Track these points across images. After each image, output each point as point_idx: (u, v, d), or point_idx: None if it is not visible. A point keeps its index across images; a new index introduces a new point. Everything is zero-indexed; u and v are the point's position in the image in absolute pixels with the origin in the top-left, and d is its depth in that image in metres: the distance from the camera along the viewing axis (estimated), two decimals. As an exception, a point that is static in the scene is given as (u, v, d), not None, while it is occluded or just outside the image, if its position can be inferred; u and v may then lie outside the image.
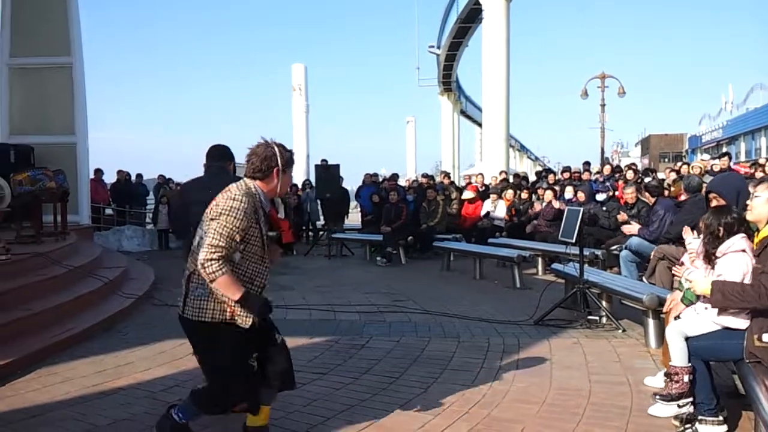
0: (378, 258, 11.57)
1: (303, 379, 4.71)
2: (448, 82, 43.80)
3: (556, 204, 10.96)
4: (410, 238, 11.95)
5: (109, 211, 16.93)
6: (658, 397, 3.87)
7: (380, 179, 15.94)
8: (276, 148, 3.30)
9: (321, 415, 3.98)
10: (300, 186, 16.85)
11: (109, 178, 17.30)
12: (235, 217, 3.03)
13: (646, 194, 8.54)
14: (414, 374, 4.82)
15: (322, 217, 16.21)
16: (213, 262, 2.95)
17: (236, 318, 3.14)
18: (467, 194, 13.24)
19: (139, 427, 3.85)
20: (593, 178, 14.40)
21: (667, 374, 3.83)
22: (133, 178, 17.69)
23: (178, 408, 3.38)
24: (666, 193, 9.87)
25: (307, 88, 27.40)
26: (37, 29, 12.95)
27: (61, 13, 12.96)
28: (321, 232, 15.24)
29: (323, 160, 15.06)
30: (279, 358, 3.47)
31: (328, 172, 13.56)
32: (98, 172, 16.36)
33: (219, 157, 4.69)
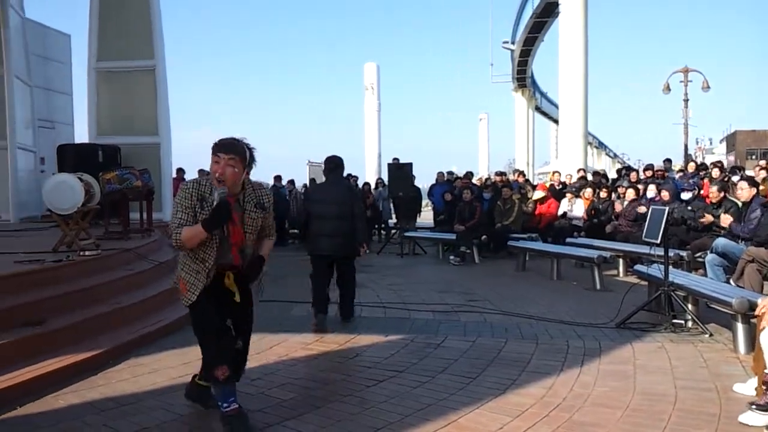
0: (451, 257, 11.50)
1: (379, 376, 4.75)
2: (523, 78, 43.07)
3: (640, 206, 10.59)
4: (484, 237, 11.83)
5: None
6: (754, 406, 3.68)
7: (453, 177, 15.84)
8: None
9: (398, 413, 3.99)
10: (373, 185, 16.97)
11: (191, 176, 17.89)
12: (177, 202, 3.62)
13: (739, 189, 8.07)
14: (491, 375, 4.76)
15: (394, 216, 16.28)
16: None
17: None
18: (537, 194, 12.95)
19: (219, 416, 3.96)
20: (676, 176, 13.83)
21: (765, 382, 3.64)
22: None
23: (219, 401, 3.77)
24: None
25: (380, 87, 27.57)
26: (121, 34, 13.56)
27: (144, 17, 13.51)
28: (393, 231, 15.29)
29: (395, 159, 15.11)
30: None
31: (400, 171, 13.60)
32: (180, 171, 16.96)
33: (335, 166, 6.57)
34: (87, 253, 7.21)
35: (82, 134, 15.21)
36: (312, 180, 18.36)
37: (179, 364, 5.02)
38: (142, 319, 6.09)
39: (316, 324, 6.22)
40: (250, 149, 3.71)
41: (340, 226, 6.32)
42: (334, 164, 6.60)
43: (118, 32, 13.53)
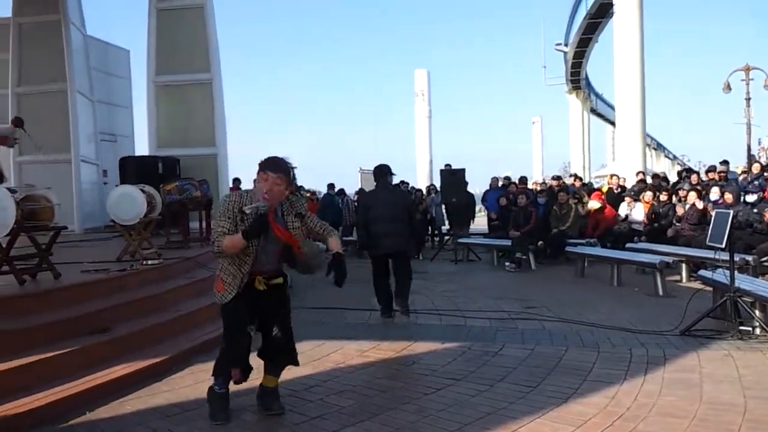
0: (506, 263, 11.37)
1: (437, 384, 4.72)
2: (577, 80, 42.29)
3: (701, 206, 10.25)
4: (540, 242, 11.64)
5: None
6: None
7: (507, 182, 15.66)
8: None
9: (457, 422, 3.95)
10: (425, 191, 16.93)
11: (247, 186, 18.22)
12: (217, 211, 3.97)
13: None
14: (551, 384, 4.67)
15: (447, 222, 16.20)
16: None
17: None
18: (593, 204, 12.38)
19: (282, 423, 4.03)
20: (739, 177, 13.32)
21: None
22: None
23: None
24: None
25: (430, 93, 27.49)
26: (179, 48, 13.99)
27: (200, 32, 13.89)
28: (446, 237, 15.22)
29: (447, 165, 15.05)
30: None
31: (453, 177, 13.53)
32: (236, 181, 17.30)
33: (384, 173, 7.23)
34: (149, 262, 7.43)
35: (142, 146, 15.77)
36: (362, 188, 18.47)
37: (239, 370, 5.10)
38: (202, 326, 6.22)
39: (384, 320, 7.07)
40: (293, 168, 4.01)
41: (394, 225, 6.96)
42: (382, 172, 7.29)
43: (175, 47, 13.97)
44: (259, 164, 3.87)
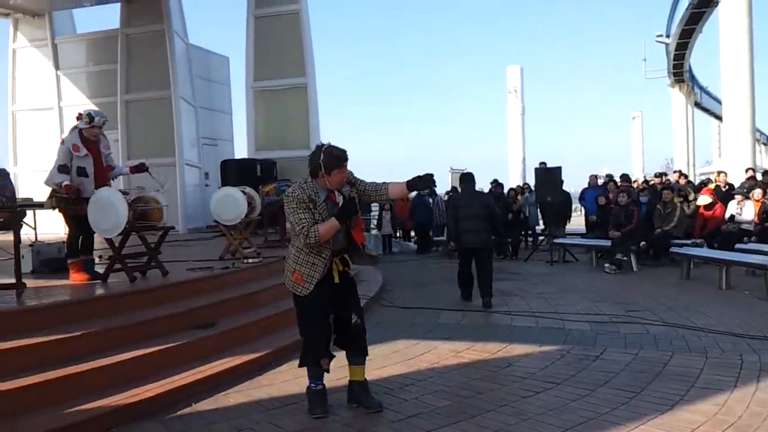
0: (606, 264, 10.96)
1: (535, 387, 4.62)
2: (680, 72, 40.20)
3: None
4: (643, 243, 11.15)
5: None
6: None
7: (608, 180, 15.11)
8: (319, 154, 4.04)
9: (557, 426, 3.84)
10: (518, 190, 16.61)
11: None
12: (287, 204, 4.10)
13: None
14: (656, 390, 4.46)
15: (541, 222, 15.83)
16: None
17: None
18: (703, 199, 11.79)
19: (378, 420, 4.07)
20: None
21: None
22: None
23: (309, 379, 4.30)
24: None
25: (523, 90, 26.97)
26: (275, 54, 14.41)
27: (296, 37, 14.25)
28: (541, 238, 14.87)
29: (542, 163, 14.69)
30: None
31: (549, 175, 13.19)
32: None
33: (469, 180, 8.55)
34: (250, 260, 7.71)
35: (241, 150, 16.37)
36: (454, 187, 18.34)
37: (336, 366, 5.15)
38: (300, 324, 6.37)
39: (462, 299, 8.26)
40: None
41: (478, 223, 7.89)
42: (468, 179, 8.61)
43: (271, 53, 14.42)
44: (341, 157, 4.04)
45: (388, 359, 5.44)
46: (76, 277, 6.26)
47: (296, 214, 4.00)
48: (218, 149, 16.16)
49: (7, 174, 5.17)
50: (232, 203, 8.00)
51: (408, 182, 4.19)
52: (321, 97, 14.62)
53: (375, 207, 18.93)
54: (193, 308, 5.81)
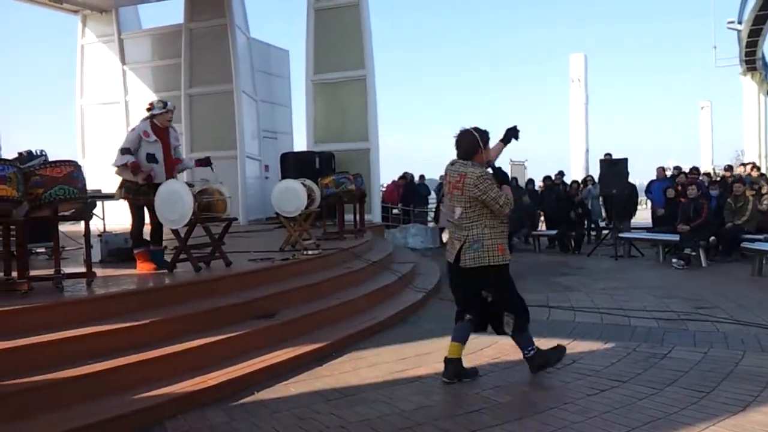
0: (674, 260, 10.57)
1: (600, 385, 4.48)
2: (753, 60, 38.43)
3: None
4: (712, 238, 10.72)
5: (395, 210, 18.15)
6: None
7: (677, 172, 14.56)
8: (476, 134, 4.56)
9: (623, 425, 3.72)
10: (580, 182, 16.21)
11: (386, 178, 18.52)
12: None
13: None
14: (727, 390, 4.27)
15: (605, 215, 15.40)
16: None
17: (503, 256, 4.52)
18: None
19: (440, 413, 4.04)
20: None
21: None
22: (416, 178, 18.68)
23: (523, 350, 4.68)
24: None
25: (587, 79, 26.23)
26: (335, 46, 14.44)
27: (355, 29, 14.24)
28: (606, 232, 14.47)
29: (607, 155, 14.28)
30: None
31: (614, 167, 12.79)
32: (407, 174, 17.96)
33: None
34: (309, 252, 7.77)
35: (299, 142, 16.52)
36: (513, 178, 18.03)
37: (396, 359, 5.18)
38: (359, 315, 6.41)
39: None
40: None
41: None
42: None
43: (331, 45, 14.45)
44: (486, 132, 4.62)
45: (449, 353, 5.38)
46: (142, 267, 6.44)
47: (494, 190, 4.43)
48: (277, 142, 16.35)
49: (79, 166, 5.32)
50: (293, 195, 8.08)
51: (501, 139, 4.89)
52: (378, 88, 14.46)
53: (432, 199, 18.84)
54: (254, 298, 5.89)
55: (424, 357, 5.27)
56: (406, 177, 18.00)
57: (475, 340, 5.73)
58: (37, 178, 5.01)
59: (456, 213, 4.52)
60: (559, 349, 4.86)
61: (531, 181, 17.16)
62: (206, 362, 4.70)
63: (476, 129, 4.57)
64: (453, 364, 4.59)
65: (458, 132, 4.60)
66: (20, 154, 7.53)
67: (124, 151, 6.24)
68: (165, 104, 6.40)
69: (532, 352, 4.65)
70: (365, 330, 6.04)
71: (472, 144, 4.52)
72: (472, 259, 4.46)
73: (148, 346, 4.59)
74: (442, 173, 5.00)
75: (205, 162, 6.91)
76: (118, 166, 6.30)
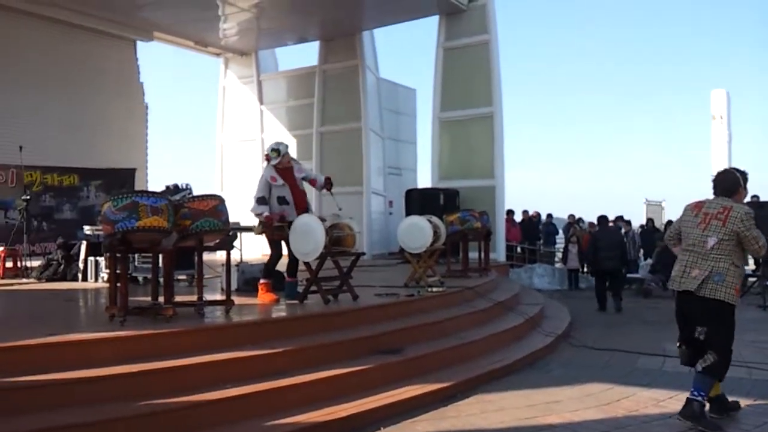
0: (833, 312, 9.55)
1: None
2: None
3: None
4: None
5: (519, 249, 17.72)
6: None
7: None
8: (737, 174, 4.69)
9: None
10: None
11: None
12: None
13: None
14: None
15: (752, 262, 14.21)
16: None
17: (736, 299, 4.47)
18: None
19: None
20: None
21: None
22: (543, 217, 18.20)
23: (693, 389, 4.45)
24: None
25: (730, 116, 24.67)
26: (462, 84, 14.51)
27: (484, 66, 14.26)
28: (752, 279, 13.33)
29: (754, 197, 13.23)
30: None
31: (762, 210, 11.78)
32: (509, 212, 17.40)
33: (605, 221, 11.52)
34: (434, 289, 7.74)
35: (423, 179, 16.67)
36: (649, 219, 17.12)
37: (524, 405, 4.99)
38: (485, 356, 6.26)
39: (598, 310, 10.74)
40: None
41: (610, 252, 10.86)
42: (603, 220, 11.81)
43: (459, 83, 14.56)
44: (746, 175, 4.71)
45: (582, 402, 5.11)
46: (263, 297, 6.64)
47: (757, 230, 4.43)
48: (402, 178, 16.60)
49: (224, 200, 5.64)
50: (419, 232, 8.12)
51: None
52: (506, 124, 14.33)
53: (560, 239, 18.25)
54: (380, 333, 5.93)
55: (554, 405, 5.03)
56: (510, 213, 17.51)
57: (610, 391, 5.45)
58: (186, 210, 5.36)
59: (709, 243, 4.50)
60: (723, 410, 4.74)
61: (669, 223, 16.20)
62: (335, 393, 4.76)
63: (737, 169, 4.75)
64: (715, 402, 4.68)
65: (720, 171, 4.82)
66: (167, 187, 8.10)
67: (259, 201, 6.58)
68: (278, 152, 6.70)
69: (699, 399, 4.45)
70: (491, 372, 5.88)
71: (734, 183, 4.63)
72: (712, 290, 4.45)
73: (281, 374, 4.72)
74: (681, 212, 4.89)
75: (328, 183, 7.05)
76: (256, 214, 6.64)
